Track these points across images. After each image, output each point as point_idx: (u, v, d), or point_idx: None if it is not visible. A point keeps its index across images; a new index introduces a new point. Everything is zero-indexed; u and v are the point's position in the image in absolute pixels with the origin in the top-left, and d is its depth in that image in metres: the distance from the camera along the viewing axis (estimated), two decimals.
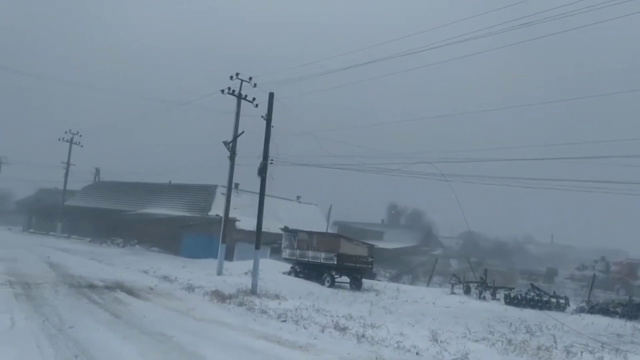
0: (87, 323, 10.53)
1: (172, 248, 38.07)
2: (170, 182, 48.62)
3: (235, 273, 24.96)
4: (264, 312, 14.18)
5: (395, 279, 34.98)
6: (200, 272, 24.26)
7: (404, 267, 40.77)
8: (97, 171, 60.90)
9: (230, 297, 16.32)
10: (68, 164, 50.45)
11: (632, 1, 16.69)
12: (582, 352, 11.77)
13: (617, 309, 21.14)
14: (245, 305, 15.10)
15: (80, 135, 50.37)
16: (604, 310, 21.29)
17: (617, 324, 18.64)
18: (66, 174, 50.67)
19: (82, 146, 50.38)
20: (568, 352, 11.65)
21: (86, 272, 20.12)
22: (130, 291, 16.00)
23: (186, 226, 38.99)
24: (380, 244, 45.72)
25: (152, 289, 17.11)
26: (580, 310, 21.98)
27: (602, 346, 13.14)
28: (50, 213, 54.81)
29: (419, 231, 70.14)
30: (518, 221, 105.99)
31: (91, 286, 16.37)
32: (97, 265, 24.07)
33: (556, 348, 12.04)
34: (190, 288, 18.04)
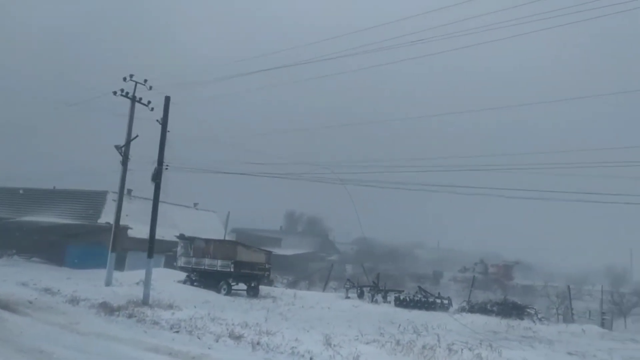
0: None
1: (56, 258, 35.50)
2: (54, 187, 45.33)
3: (126, 283, 23.87)
4: (155, 323, 13.74)
5: (292, 285, 35.32)
6: (87, 283, 22.91)
7: (302, 273, 41.27)
8: None
9: (119, 308, 15.60)
10: None
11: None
12: (462, 350, 12.64)
13: (494, 308, 23.04)
14: (135, 316, 14.52)
15: None
16: (483, 309, 23.10)
17: (494, 322, 20.27)
18: None
19: None
20: (450, 350, 12.46)
21: None
22: (5, 306, 14.73)
23: (72, 235, 36.57)
24: (278, 251, 45.94)
25: (31, 302, 15.87)
26: (462, 309, 23.65)
27: (480, 343, 14.22)
28: None
29: (317, 237, 71.44)
30: (409, 227, 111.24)
31: None
32: None
33: (439, 347, 12.83)
34: (74, 301, 17.00)
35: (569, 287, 26.52)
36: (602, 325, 22.92)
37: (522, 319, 22.22)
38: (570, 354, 13.95)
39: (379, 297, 26.65)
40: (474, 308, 23.75)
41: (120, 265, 29.91)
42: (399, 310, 22.96)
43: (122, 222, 27.44)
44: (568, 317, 24.45)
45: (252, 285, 26.09)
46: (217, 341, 11.80)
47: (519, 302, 24.92)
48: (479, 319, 20.70)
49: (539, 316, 23.17)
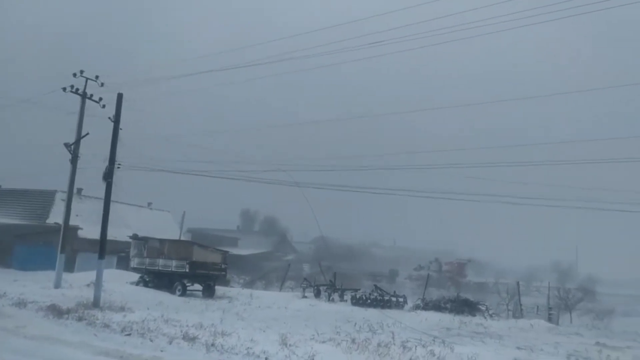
0: None
1: (3, 260, 34.06)
2: (0, 186, 43.52)
3: (77, 285, 23.20)
4: (106, 326, 13.38)
5: (249, 285, 35.10)
6: (35, 285, 22.13)
7: (259, 273, 41.02)
8: None
9: (68, 311, 15.11)
10: None
11: None
12: (416, 347, 12.86)
13: (447, 305, 23.61)
14: (85, 319, 14.10)
15: None
16: (436, 306, 23.63)
17: (447, 319, 20.75)
18: None
19: None
20: (404, 348, 12.64)
21: None
22: None
23: (20, 235, 35.21)
24: (235, 251, 45.52)
25: None
26: (416, 307, 24.11)
27: (433, 340, 14.52)
28: None
29: (274, 237, 71.15)
30: (366, 226, 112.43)
31: None
32: None
33: (394, 344, 13.01)
34: (21, 303, 16.38)
35: (518, 283, 27.39)
36: (549, 320, 23.80)
37: (474, 315, 22.84)
38: (519, 348, 14.40)
39: (335, 296, 26.83)
40: (428, 305, 24.24)
41: (70, 266, 29.08)
42: (356, 308, 23.17)
43: (71, 223, 26.67)
44: (517, 312, 25.27)
45: (208, 285, 25.78)
46: (170, 343, 11.60)
47: (471, 299, 25.62)
48: (433, 316, 21.14)
49: (490, 312, 23.87)
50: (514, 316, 24.61)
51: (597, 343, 16.70)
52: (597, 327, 23.57)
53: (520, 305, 25.86)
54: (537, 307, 26.00)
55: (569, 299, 27.49)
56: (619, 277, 58.00)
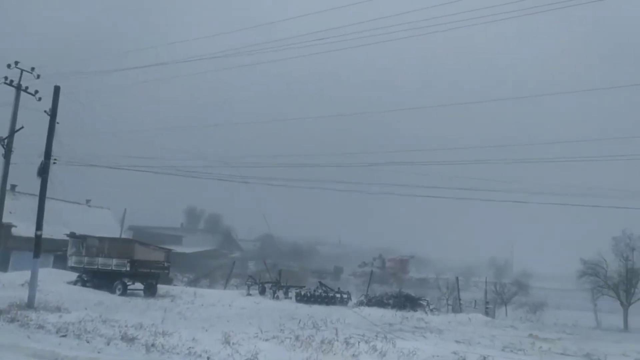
0: None
1: None
2: None
3: (10, 285, 22.19)
4: (41, 327, 12.86)
5: (193, 283, 34.57)
6: None
7: (203, 271, 40.47)
8: None
9: (0, 312, 14.44)
10: None
11: None
12: (359, 343, 13.06)
13: (390, 301, 24.11)
14: (18, 320, 13.50)
15: None
16: (379, 302, 24.09)
17: (389, 314, 21.18)
18: None
19: None
20: (347, 344, 12.81)
21: None
22: None
23: None
24: (178, 249, 44.78)
25: None
26: (360, 303, 24.49)
27: (376, 335, 14.78)
28: None
29: (219, 234, 70.36)
30: (313, 224, 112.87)
31: None
32: None
33: (337, 340, 13.16)
34: None
35: (457, 279, 28.33)
36: (486, 313, 24.76)
37: (415, 310, 23.44)
38: (457, 342, 14.89)
39: (280, 293, 26.85)
40: (371, 301, 24.68)
41: (3, 265, 27.92)
42: (300, 305, 23.28)
43: (5, 220, 25.42)
44: (457, 307, 26.12)
45: (150, 284, 25.23)
46: (108, 344, 11.28)
47: (413, 295, 26.27)
48: (376, 312, 21.52)
49: (431, 307, 24.57)
50: (454, 311, 25.42)
51: (530, 335, 17.53)
52: (531, 320, 24.78)
53: (459, 300, 26.74)
54: (475, 301, 26.98)
55: (504, 294, 28.69)
56: (551, 272, 60.78)
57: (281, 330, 14.79)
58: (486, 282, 29.02)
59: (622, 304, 24.44)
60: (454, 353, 12.32)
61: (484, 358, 11.66)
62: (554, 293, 35.53)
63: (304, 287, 27.89)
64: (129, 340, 11.68)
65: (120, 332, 12.55)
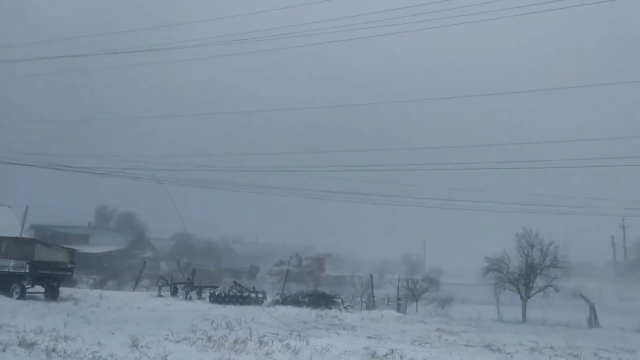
0: None
1: None
2: None
3: None
4: None
5: (99, 285, 32.96)
6: None
7: (111, 271, 38.64)
8: None
9: None
10: None
11: None
12: (272, 341, 13.02)
13: (305, 299, 24.29)
14: None
15: None
16: (295, 301, 24.19)
17: (305, 313, 21.32)
18: None
19: None
20: (261, 343, 12.73)
21: None
22: None
23: None
24: (85, 249, 42.54)
25: None
26: (275, 302, 24.47)
27: (290, 334, 14.81)
28: None
29: (130, 233, 67.64)
30: (228, 222, 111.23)
31: None
32: None
33: (251, 340, 13.05)
34: None
35: (371, 276, 29.02)
36: (398, 309, 25.56)
37: (330, 308, 23.76)
38: (369, 337, 15.26)
39: (193, 294, 26.23)
40: (287, 300, 24.71)
41: None
42: (214, 306, 22.87)
43: None
44: (370, 304, 26.76)
45: (51, 287, 23.74)
46: (4, 351, 10.42)
47: (328, 293, 26.62)
48: (291, 311, 21.57)
49: (345, 305, 25.01)
50: (367, 307, 26.01)
51: (438, 329, 18.36)
52: (439, 315, 25.94)
53: (373, 297, 27.41)
54: (388, 298, 27.76)
55: (416, 290, 29.76)
56: (460, 268, 63.84)
57: (193, 331, 14.42)
58: (399, 279, 29.96)
59: (521, 297, 26.10)
60: (365, 348, 12.61)
61: (392, 351, 12.02)
62: (462, 288, 37.28)
63: (219, 287, 27.42)
64: (28, 345, 10.89)
65: (17, 337, 11.67)
